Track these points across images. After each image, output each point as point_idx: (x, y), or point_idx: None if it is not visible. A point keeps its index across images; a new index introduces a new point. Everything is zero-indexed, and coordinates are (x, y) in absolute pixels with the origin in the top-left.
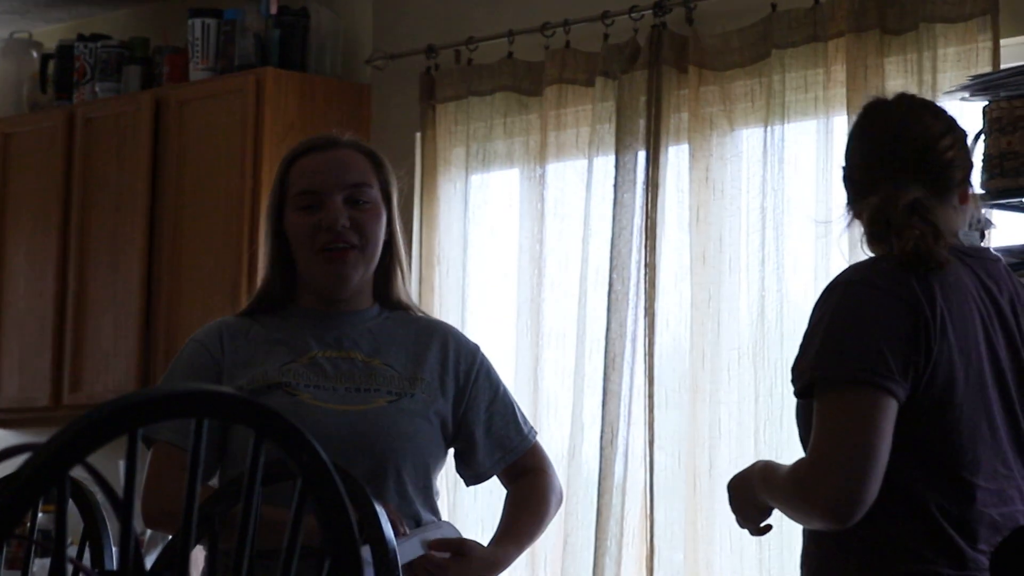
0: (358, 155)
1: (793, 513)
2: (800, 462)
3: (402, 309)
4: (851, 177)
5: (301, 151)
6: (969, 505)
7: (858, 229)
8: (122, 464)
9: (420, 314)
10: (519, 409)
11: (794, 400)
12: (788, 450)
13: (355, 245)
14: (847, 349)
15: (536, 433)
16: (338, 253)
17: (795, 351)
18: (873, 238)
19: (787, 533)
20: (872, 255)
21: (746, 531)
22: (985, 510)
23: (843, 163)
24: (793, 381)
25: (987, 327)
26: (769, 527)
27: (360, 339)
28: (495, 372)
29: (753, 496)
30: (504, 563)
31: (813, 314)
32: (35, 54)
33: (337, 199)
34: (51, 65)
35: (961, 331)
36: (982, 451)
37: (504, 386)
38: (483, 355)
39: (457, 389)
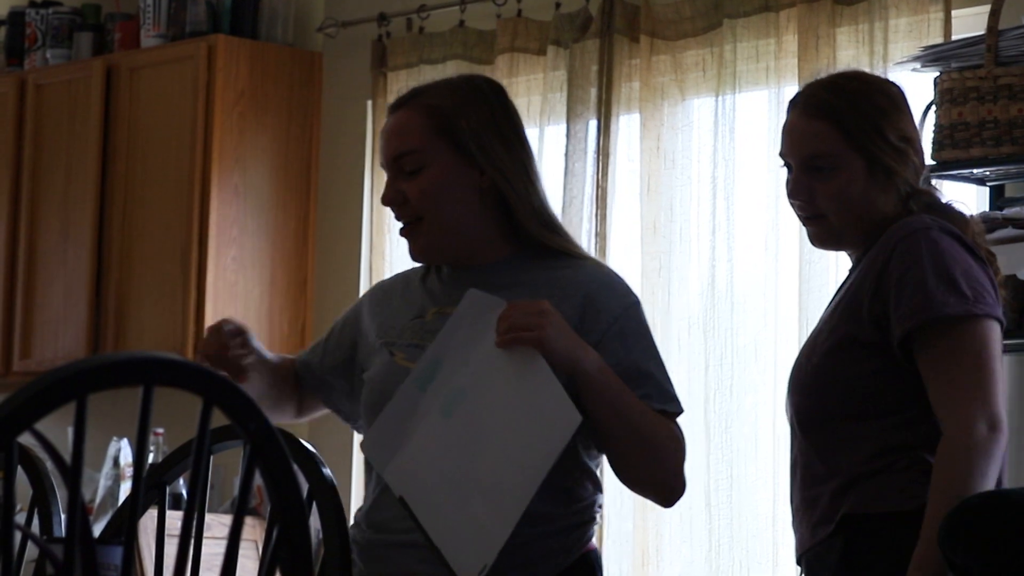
0: (413, 116)
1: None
2: (961, 421)
3: (552, 253)
4: None
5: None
6: None
7: None
8: (71, 431)
9: (575, 257)
10: (657, 379)
11: (745, 369)
12: (737, 419)
13: (414, 218)
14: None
15: (678, 410)
16: (405, 231)
17: (746, 321)
18: None
19: (736, 504)
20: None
21: (695, 501)
22: None
23: None
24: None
25: None
26: None
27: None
28: (636, 335)
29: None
30: (578, 355)
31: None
32: None
33: (390, 174)
34: (2, 31)
35: None
36: None
37: (642, 352)
38: (627, 315)
39: None
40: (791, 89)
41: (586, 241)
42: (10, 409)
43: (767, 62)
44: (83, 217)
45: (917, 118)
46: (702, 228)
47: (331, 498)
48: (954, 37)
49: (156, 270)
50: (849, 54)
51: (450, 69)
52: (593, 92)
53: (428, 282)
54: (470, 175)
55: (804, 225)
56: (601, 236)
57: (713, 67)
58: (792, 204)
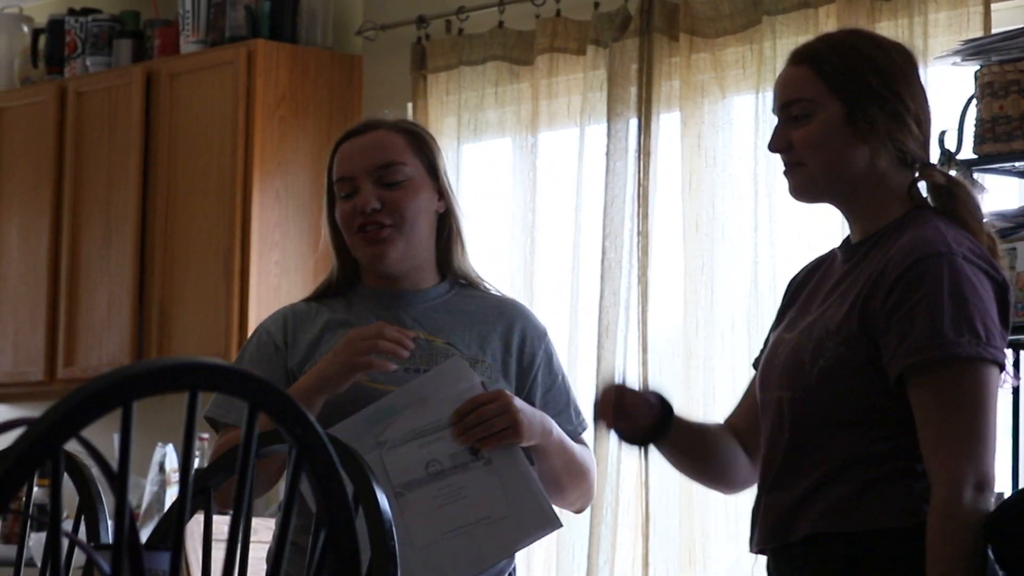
0: (392, 134)
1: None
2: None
3: (471, 284)
4: None
5: (342, 139)
6: None
7: None
8: (116, 437)
9: (492, 290)
10: (574, 399)
11: None
12: None
13: (388, 224)
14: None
15: (586, 426)
16: (372, 233)
17: None
18: None
19: None
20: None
21: (740, 499)
22: None
23: None
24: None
25: None
26: None
27: (423, 317)
28: (557, 360)
29: None
30: (544, 428)
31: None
32: (26, 28)
33: (367, 183)
34: (42, 39)
35: None
36: None
37: (563, 375)
38: (549, 340)
39: (519, 374)
40: None
41: (628, 240)
42: (56, 416)
43: None
44: (125, 223)
45: (955, 111)
46: (744, 226)
47: (377, 501)
48: (994, 31)
49: (199, 275)
50: None
51: (490, 70)
52: (633, 91)
53: (355, 308)
54: (434, 197)
55: (787, 179)
56: (643, 235)
57: (753, 64)
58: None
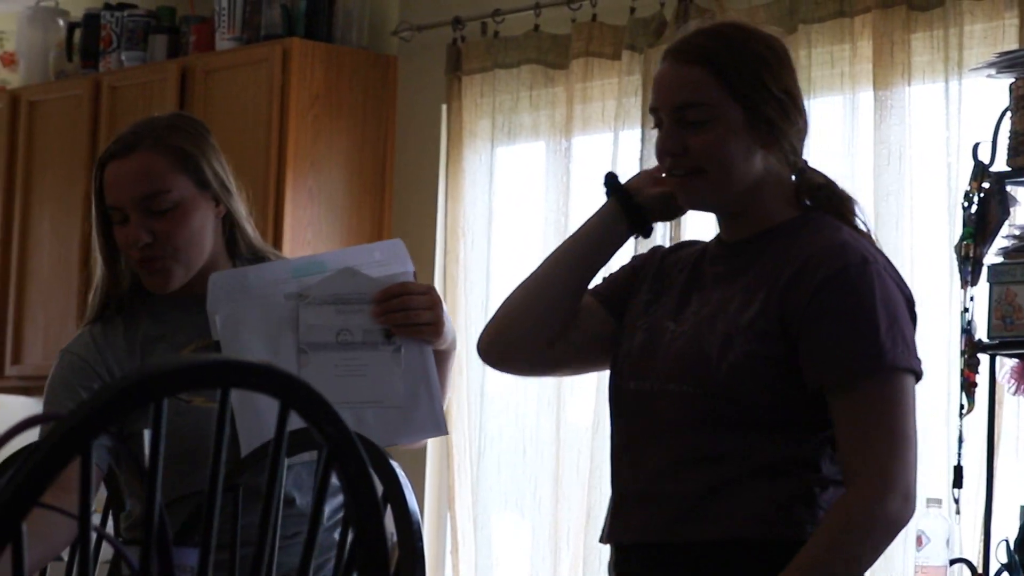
0: (154, 157)
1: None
2: (871, 474)
3: (259, 258)
4: None
5: (105, 157)
6: None
7: None
8: (147, 433)
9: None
10: None
11: None
12: None
13: (162, 255)
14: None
15: None
16: (149, 264)
17: None
18: None
19: None
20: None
21: None
22: None
23: None
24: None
25: None
26: None
27: None
28: None
29: None
30: (453, 338)
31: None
32: (61, 22)
33: (136, 213)
34: (77, 33)
35: None
36: None
37: None
38: None
39: None
40: (866, 95)
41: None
42: (87, 412)
43: (842, 68)
44: None
45: (989, 123)
46: None
47: (406, 502)
48: None
49: None
50: (923, 59)
51: (525, 73)
52: None
53: (166, 321)
54: (209, 206)
55: (677, 185)
56: (674, 240)
57: None
58: (663, 161)
